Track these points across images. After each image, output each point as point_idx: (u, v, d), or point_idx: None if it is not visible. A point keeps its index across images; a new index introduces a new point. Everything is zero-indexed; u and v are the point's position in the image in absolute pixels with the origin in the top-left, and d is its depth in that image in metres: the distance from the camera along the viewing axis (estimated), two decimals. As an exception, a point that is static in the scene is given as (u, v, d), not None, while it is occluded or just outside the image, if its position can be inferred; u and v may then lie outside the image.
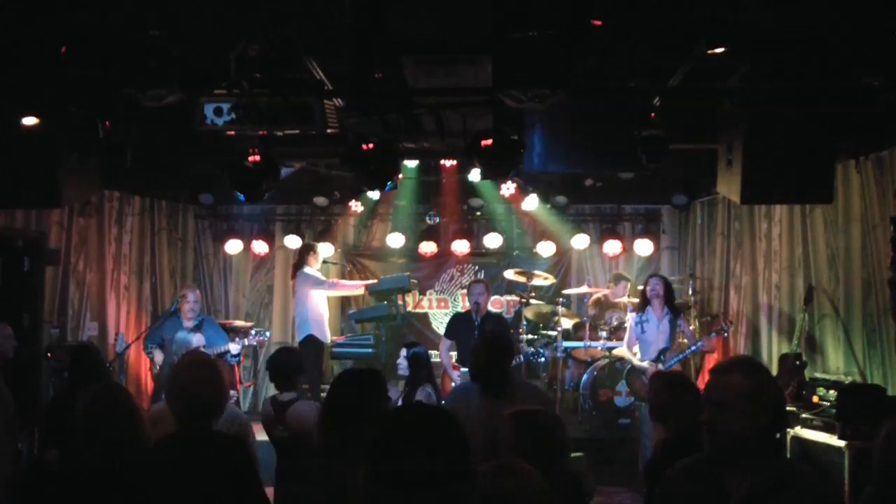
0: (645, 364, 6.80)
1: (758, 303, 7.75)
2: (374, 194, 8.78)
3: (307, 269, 8.16)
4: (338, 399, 3.21)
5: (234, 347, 7.34)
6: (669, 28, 4.39)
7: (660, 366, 6.69)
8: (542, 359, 7.37)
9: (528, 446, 2.86)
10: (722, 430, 2.28)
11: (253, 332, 7.85)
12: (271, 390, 5.10)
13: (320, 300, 8.24)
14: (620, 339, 8.14)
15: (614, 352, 7.80)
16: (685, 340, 7.14)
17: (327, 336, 8.09)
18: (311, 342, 7.86)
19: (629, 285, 8.71)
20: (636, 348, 7.03)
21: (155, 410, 4.50)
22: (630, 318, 7.19)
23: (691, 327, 7.76)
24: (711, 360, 8.30)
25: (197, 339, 6.62)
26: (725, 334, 7.43)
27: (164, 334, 7.37)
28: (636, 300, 8.60)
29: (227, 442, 3.06)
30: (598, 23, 4.14)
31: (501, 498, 2.11)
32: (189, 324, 7.27)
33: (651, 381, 4.04)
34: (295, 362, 4.76)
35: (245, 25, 4.29)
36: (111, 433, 2.98)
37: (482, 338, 4.26)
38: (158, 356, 7.26)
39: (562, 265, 9.55)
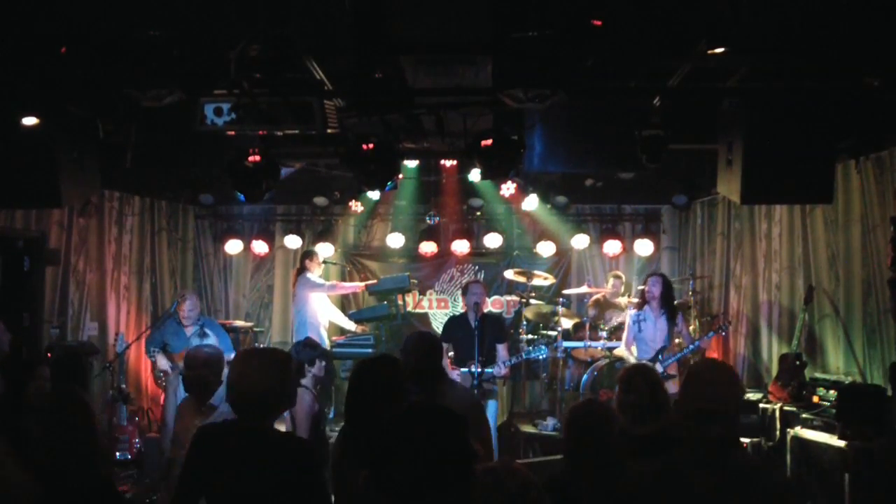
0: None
1: (758, 303, 7.75)
2: (374, 194, 8.78)
3: (308, 275, 8.20)
4: (361, 387, 3.29)
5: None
6: (669, 28, 4.39)
7: (658, 365, 6.69)
8: (542, 355, 7.36)
9: None
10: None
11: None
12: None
13: (320, 306, 8.25)
14: (620, 339, 8.15)
15: (615, 352, 7.81)
16: (680, 340, 7.13)
17: (325, 341, 8.10)
18: (309, 345, 7.87)
19: (622, 284, 8.75)
20: (633, 348, 7.04)
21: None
22: (628, 317, 7.18)
23: (690, 327, 7.77)
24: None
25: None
26: (724, 333, 7.43)
27: (165, 337, 7.38)
28: (636, 299, 8.63)
29: (288, 441, 3.01)
30: (598, 23, 4.13)
31: (500, 497, 2.12)
32: (189, 329, 7.27)
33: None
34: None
35: (245, 25, 4.29)
36: (64, 445, 2.85)
37: (411, 338, 4.38)
38: (162, 361, 7.23)
39: (562, 265, 9.56)
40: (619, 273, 8.95)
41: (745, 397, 6.67)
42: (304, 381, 5.45)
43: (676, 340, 7.12)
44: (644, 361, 6.76)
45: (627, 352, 7.06)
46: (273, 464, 2.85)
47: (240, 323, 9.05)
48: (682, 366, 6.93)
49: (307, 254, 8.46)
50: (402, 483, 1.60)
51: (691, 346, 6.92)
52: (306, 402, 4.45)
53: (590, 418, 3.09)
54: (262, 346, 9.33)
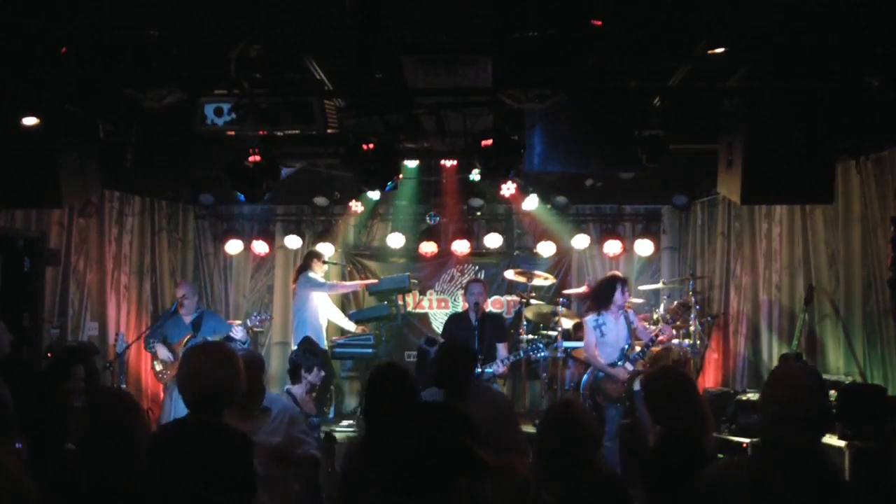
0: (618, 370, 6.71)
1: (758, 303, 7.75)
2: (374, 194, 8.77)
3: (310, 274, 8.20)
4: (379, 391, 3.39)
5: (238, 331, 7.36)
6: (669, 28, 4.39)
7: (628, 365, 6.66)
8: (542, 354, 7.36)
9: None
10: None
11: (254, 314, 7.91)
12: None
13: (320, 307, 8.26)
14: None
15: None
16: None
17: (323, 341, 8.10)
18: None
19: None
20: (597, 351, 6.89)
21: None
22: (585, 322, 7.03)
23: (691, 327, 7.77)
24: (711, 360, 8.31)
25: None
26: (689, 325, 7.47)
27: (166, 332, 7.42)
28: (638, 300, 8.63)
29: (235, 437, 3.03)
30: (598, 23, 4.14)
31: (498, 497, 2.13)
32: (188, 318, 7.32)
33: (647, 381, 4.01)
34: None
35: (245, 25, 4.29)
36: (109, 444, 2.92)
37: (442, 348, 4.56)
38: (162, 351, 7.30)
39: (562, 265, 9.55)
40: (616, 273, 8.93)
41: (746, 397, 6.68)
42: (294, 388, 5.47)
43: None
44: (620, 368, 6.72)
45: (596, 358, 6.86)
46: (218, 456, 2.91)
47: (239, 322, 9.05)
48: (649, 360, 6.91)
49: (313, 254, 8.47)
50: (403, 483, 1.60)
51: (649, 339, 6.88)
52: (282, 404, 4.44)
53: (562, 419, 3.15)
54: (263, 348, 9.36)
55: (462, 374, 4.26)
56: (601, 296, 6.93)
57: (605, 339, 6.84)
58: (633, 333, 6.88)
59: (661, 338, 7.06)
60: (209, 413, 3.01)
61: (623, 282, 6.97)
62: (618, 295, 6.83)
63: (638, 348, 6.85)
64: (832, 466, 2.43)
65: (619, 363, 6.72)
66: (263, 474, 3.41)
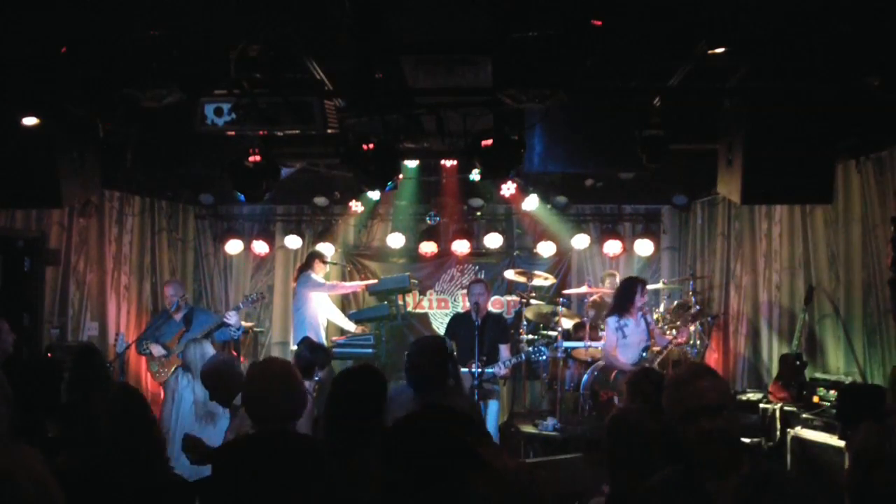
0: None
1: (758, 303, 7.75)
2: (374, 194, 8.77)
3: (311, 274, 8.20)
4: (342, 398, 3.26)
5: (231, 317, 7.36)
6: (669, 28, 4.39)
7: (647, 364, 6.69)
8: (544, 357, 7.36)
9: None
10: (719, 436, 2.27)
11: (248, 298, 7.93)
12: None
13: (319, 307, 8.25)
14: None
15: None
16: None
17: (323, 340, 8.11)
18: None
19: (618, 281, 8.75)
20: (617, 351, 6.95)
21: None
22: (608, 323, 7.09)
23: (691, 328, 7.77)
24: (711, 361, 8.31)
25: (208, 348, 6.72)
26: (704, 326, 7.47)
27: (155, 332, 7.44)
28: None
29: (304, 443, 3.07)
30: (598, 23, 4.13)
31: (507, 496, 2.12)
32: (178, 315, 7.34)
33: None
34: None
35: (245, 25, 4.29)
36: (132, 441, 2.95)
37: (416, 342, 4.53)
38: (156, 349, 7.32)
39: (562, 265, 9.55)
40: (614, 272, 8.96)
41: (746, 397, 6.68)
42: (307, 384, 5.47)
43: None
44: (639, 364, 6.75)
45: (613, 357, 6.94)
46: (294, 465, 2.92)
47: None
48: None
49: (316, 254, 8.46)
50: (405, 484, 1.60)
51: (667, 340, 6.95)
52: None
53: (627, 425, 3.09)
54: (263, 347, 9.36)
55: (435, 371, 4.23)
56: (623, 298, 7.01)
57: (627, 341, 6.92)
58: (651, 334, 6.97)
59: (678, 340, 7.13)
60: (277, 426, 3.05)
61: (642, 284, 7.13)
62: (637, 297, 6.94)
63: (656, 348, 6.95)
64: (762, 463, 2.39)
65: (639, 363, 6.76)
66: None
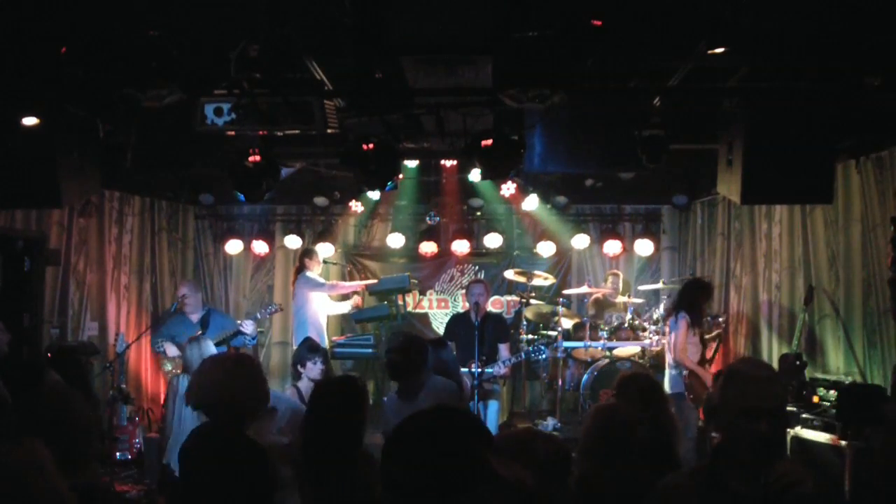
0: (706, 371, 6.78)
1: (758, 303, 7.74)
2: (374, 194, 8.77)
3: (308, 273, 8.19)
4: (322, 409, 3.27)
5: (248, 326, 7.37)
6: (669, 28, 4.39)
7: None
8: (544, 356, 7.36)
9: None
10: (773, 441, 2.25)
11: (262, 308, 7.94)
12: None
13: (320, 307, 8.24)
14: (621, 338, 8.15)
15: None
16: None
17: (325, 340, 8.10)
18: (308, 345, 7.88)
19: (620, 281, 8.74)
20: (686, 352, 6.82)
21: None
22: (680, 320, 6.82)
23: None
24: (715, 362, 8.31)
25: (208, 347, 6.70)
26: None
27: (171, 331, 7.43)
28: (638, 300, 8.63)
29: (253, 449, 3.01)
30: (598, 23, 4.14)
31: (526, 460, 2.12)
32: (195, 316, 7.33)
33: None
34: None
35: (245, 25, 4.29)
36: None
37: (391, 342, 4.86)
38: (171, 349, 7.31)
39: (562, 265, 9.55)
40: (617, 271, 8.94)
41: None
42: (300, 384, 5.47)
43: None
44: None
45: (685, 358, 6.72)
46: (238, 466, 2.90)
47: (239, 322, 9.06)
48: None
49: (306, 252, 8.44)
50: (406, 485, 1.58)
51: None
52: (286, 401, 4.50)
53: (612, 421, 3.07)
54: (263, 348, 9.36)
55: (413, 366, 4.45)
56: (701, 299, 6.92)
57: (695, 339, 6.82)
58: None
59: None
60: (225, 423, 3.00)
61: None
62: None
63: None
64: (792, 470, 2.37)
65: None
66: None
